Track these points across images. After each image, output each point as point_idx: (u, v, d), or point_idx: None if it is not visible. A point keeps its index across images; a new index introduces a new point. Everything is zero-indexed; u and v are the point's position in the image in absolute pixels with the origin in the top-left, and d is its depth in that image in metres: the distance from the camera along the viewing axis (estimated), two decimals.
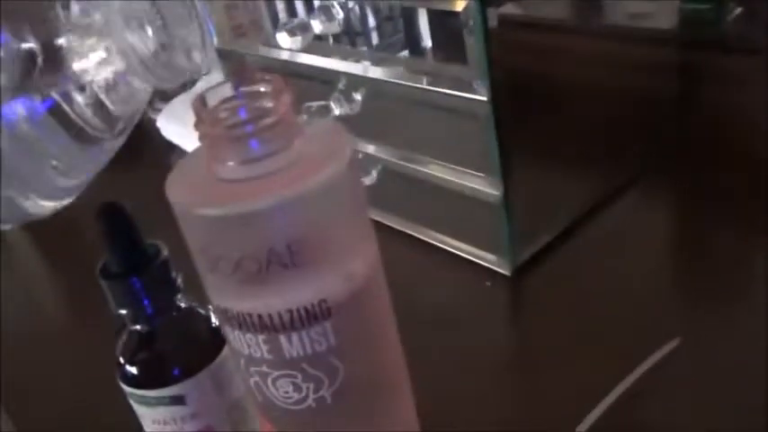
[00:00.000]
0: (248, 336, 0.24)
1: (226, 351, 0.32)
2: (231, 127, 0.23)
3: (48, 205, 0.23)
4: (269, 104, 0.23)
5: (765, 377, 0.34)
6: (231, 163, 0.23)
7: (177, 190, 0.24)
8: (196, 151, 0.25)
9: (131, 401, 0.33)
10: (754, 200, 0.47)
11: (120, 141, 0.24)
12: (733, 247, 0.44)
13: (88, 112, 0.22)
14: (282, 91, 0.23)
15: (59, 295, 0.57)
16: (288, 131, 0.23)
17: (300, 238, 0.23)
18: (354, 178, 0.24)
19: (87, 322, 0.45)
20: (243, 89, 0.24)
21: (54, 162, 0.22)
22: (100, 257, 0.30)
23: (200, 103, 0.24)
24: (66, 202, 0.24)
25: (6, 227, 0.23)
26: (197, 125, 0.23)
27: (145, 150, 0.71)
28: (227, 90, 0.24)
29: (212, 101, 0.24)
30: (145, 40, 0.20)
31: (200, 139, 0.23)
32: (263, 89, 0.24)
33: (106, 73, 0.22)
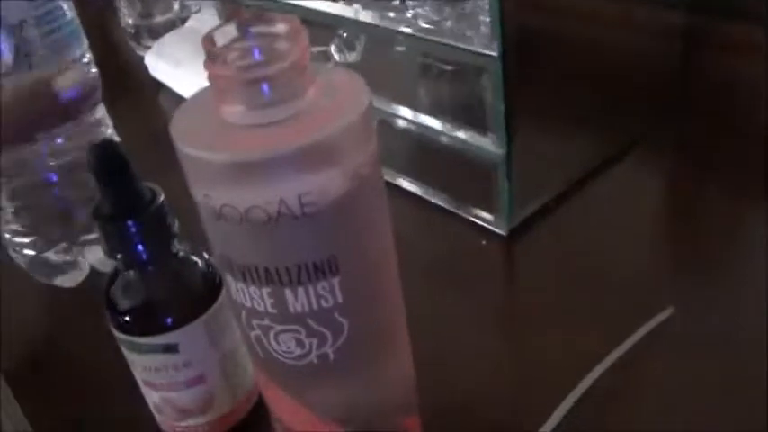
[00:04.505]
0: (252, 288, 0.24)
1: (221, 300, 0.32)
2: (244, 69, 0.21)
3: None
4: (285, 46, 0.22)
5: (762, 348, 0.34)
6: (241, 107, 0.22)
7: (182, 132, 0.23)
8: (203, 92, 0.24)
9: (121, 347, 0.32)
10: (754, 169, 0.46)
11: None
12: (731, 215, 0.44)
13: None
14: (300, 32, 0.22)
15: (56, 295, 0.54)
16: (303, 77, 0.22)
17: (313, 189, 0.22)
18: (370, 130, 0.23)
19: (84, 323, 0.43)
20: (254, 30, 0.23)
21: None
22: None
23: (211, 42, 0.22)
24: None
25: None
26: (207, 64, 0.22)
27: (131, 90, 0.68)
28: (233, 31, 0.23)
29: (219, 41, 0.23)
30: None
31: (210, 79, 0.22)
32: (278, 30, 0.23)
33: None
